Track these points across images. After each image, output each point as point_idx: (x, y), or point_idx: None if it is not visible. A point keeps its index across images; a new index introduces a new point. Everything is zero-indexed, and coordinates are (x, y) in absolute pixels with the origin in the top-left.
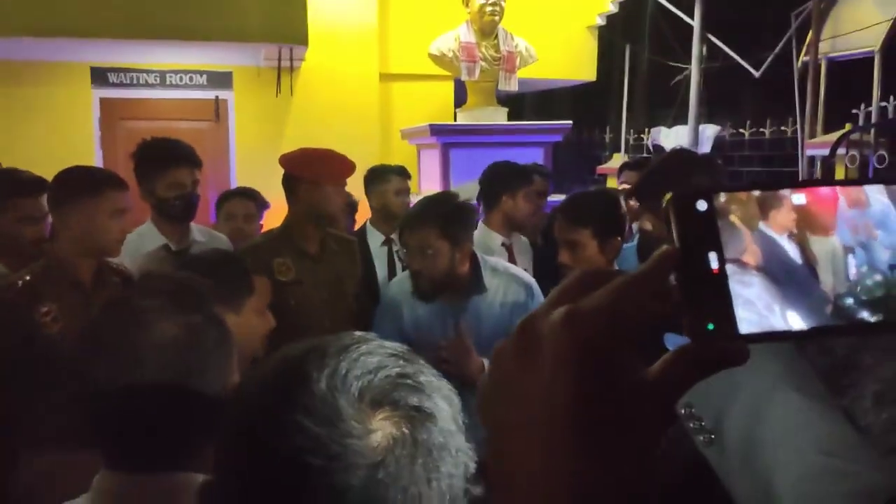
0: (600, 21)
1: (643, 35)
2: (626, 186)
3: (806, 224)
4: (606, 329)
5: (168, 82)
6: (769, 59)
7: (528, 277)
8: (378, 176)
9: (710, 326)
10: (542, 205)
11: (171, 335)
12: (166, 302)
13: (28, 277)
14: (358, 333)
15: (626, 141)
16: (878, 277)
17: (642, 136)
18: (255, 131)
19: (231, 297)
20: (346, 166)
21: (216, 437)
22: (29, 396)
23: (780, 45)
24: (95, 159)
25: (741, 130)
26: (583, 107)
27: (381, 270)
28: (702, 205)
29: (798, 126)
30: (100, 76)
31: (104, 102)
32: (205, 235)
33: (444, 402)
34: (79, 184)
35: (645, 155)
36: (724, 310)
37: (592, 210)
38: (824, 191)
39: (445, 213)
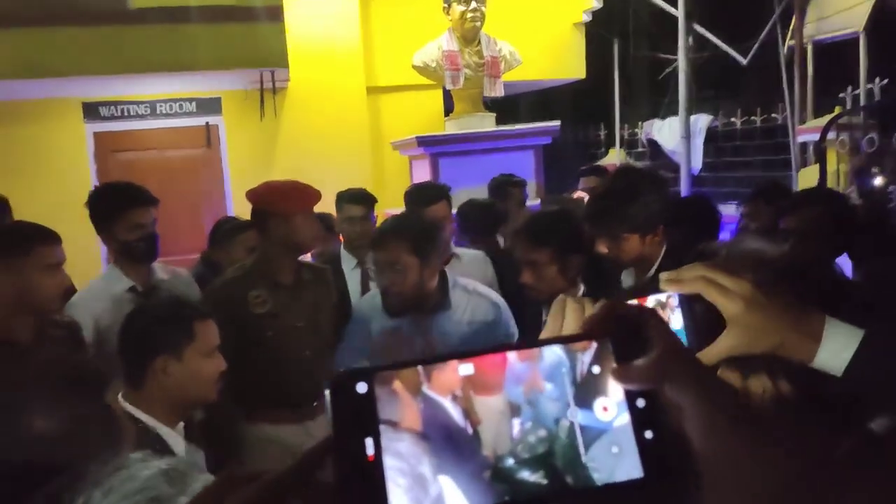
0: (586, 17)
1: (629, 29)
2: (582, 194)
3: (473, 386)
4: None
5: (158, 111)
6: (755, 46)
7: (497, 298)
8: (337, 203)
9: None
10: (524, 213)
11: (40, 429)
12: (45, 392)
13: None
14: (133, 455)
15: (621, 136)
16: (542, 433)
17: (636, 130)
18: (247, 154)
19: (171, 344)
20: (311, 194)
21: None
22: None
23: (766, 30)
24: None
25: (733, 119)
26: (576, 105)
27: (354, 295)
28: (361, 387)
29: (788, 112)
30: (92, 110)
31: (98, 136)
32: (168, 273)
33: None
34: (6, 242)
35: (640, 149)
36: (378, 499)
37: (552, 230)
38: (492, 357)
39: (414, 231)
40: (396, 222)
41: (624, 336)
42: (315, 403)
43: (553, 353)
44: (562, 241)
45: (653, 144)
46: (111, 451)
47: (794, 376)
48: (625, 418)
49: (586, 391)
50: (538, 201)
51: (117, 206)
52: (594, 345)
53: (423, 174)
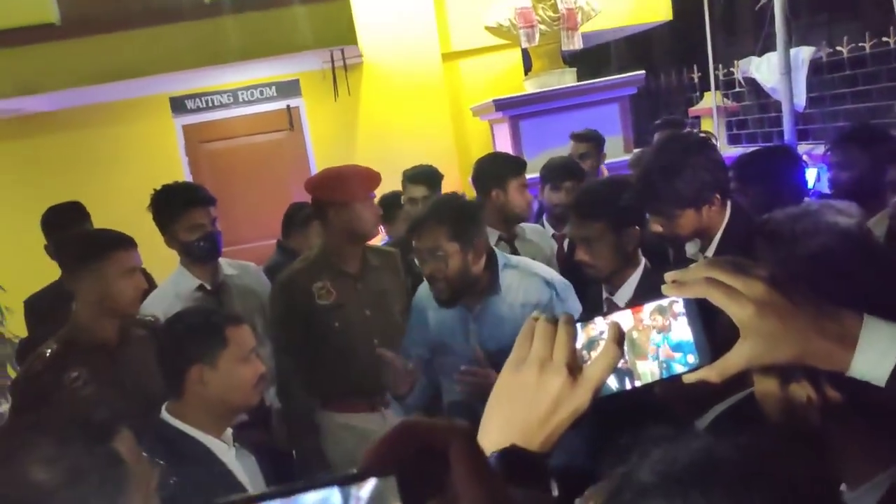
0: None
1: None
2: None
3: None
4: None
5: (241, 99)
6: None
7: (552, 276)
8: (402, 181)
9: None
10: (598, 162)
11: (39, 477)
12: (53, 438)
13: (55, 346)
14: None
15: (716, 77)
16: None
17: (732, 69)
18: (328, 134)
19: (205, 353)
20: (369, 180)
21: None
22: None
23: None
24: None
25: (839, 49)
26: (665, 49)
27: None
28: None
29: None
30: (179, 105)
31: (186, 129)
32: (235, 268)
33: None
34: (85, 249)
35: (737, 89)
36: None
37: (604, 202)
38: None
39: (453, 214)
40: (432, 206)
41: (417, 469)
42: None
43: (318, 498)
44: (615, 214)
45: (751, 83)
46: (112, 498)
47: (840, 382)
48: None
49: None
50: (627, 157)
51: (176, 207)
52: (373, 482)
53: (504, 139)
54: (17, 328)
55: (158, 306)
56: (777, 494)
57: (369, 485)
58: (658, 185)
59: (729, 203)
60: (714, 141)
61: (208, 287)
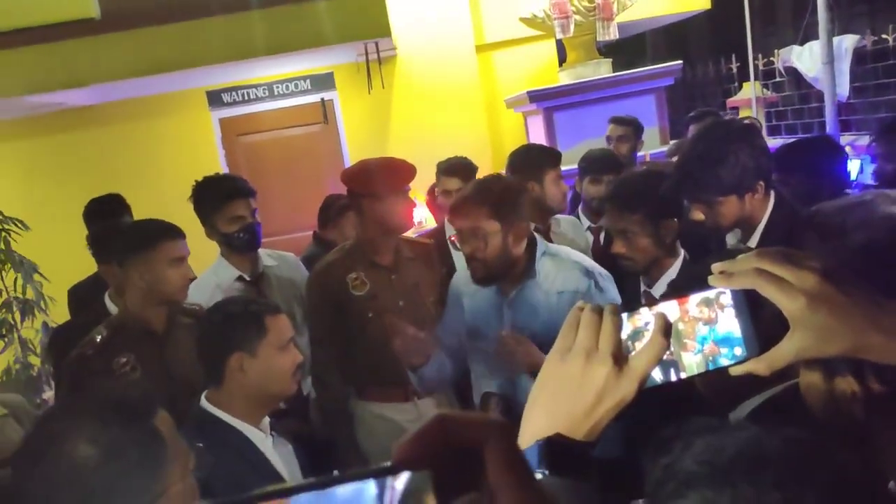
0: None
1: None
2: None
3: None
4: None
5: (276, 92)
6: None
7: (593, 265)
8: (436, 173)
9: None
10: (634, 148)
11: (84, 455)
12: (90, 418)
13: (105, 332)
14: None
15: (755, 67)
16: None
17: (772, 59)
18: (363, 126)
19: (244, 341)
20: (404, 173)
21: None
22: None
23: None
24: None
25: (884, 36)
26: (703, 39)
27: (461, 270)
28: None
29: None
30: (215, 98)
31: (223, 122)
32: (274, 259)
33: None
34: (135, 239)
35: (777, 79)
36: None
37: (641, 193)
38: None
39: (494, 194)
40: (475, 186)
41: (450, 465)
42: None
43: (352, 490)
44: (653, 205)
45: (792, 73)
46: (151, 474)
47: (885, 375)
48: None
49: None
50: (664, 148)
51: (216, 199)
52: (408, 476)
53: (537, 131)
54: (60, 317)
55: (199, 296)
56: (828, 488)
57: (404, 478)
58: (700, 170)
59: (772, 193)
60: (759, 126)
61: (248, 278)
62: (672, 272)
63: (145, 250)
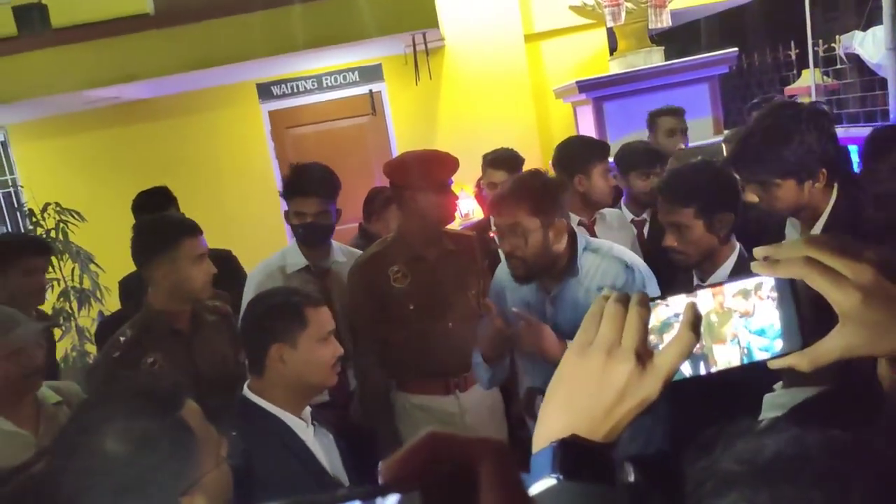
0: None
1: None
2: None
3: None
4: None
5: (325, 84)
6: None
7: (633, 260)
8: (482, 165)
9: None
10: (683, 141)
11: (114, 446)
12: (122, 409)
13: (130, 333)
14: None
15: (815, 54)
16: None
17: (833, 45)
18: (410, 118)
19: (285, 332)
20: (446, 166)
21: None
22: None
23: None
24: (273, 170)
25: None
26: (761, 25)
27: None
28: None
29: None
30: (265, 91)
31: (272, 115)
32: (347, 255)
33: None
34: (156, 238)
35: (839, 66)
36: None
37: (694, 186)
38: None
39: (534, 190)
40: (514, 183)
41: (441, 486)
42: (465, 374)
43: None
44: (707, 198)
45: (854, 60)
46: (182, 464)
47: None
48: None
49: None
50: (717, 138)
51: (289, 191)
52: (396, 497)
53: (587, 121)
54: (115, 307)
55: (257, 278)
56: (873, 491)
57: (392, 500)
58: (759, 148)
59: (837, 184)
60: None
61: (312, 269)
62: (727, 267)
63: (168, 249)
